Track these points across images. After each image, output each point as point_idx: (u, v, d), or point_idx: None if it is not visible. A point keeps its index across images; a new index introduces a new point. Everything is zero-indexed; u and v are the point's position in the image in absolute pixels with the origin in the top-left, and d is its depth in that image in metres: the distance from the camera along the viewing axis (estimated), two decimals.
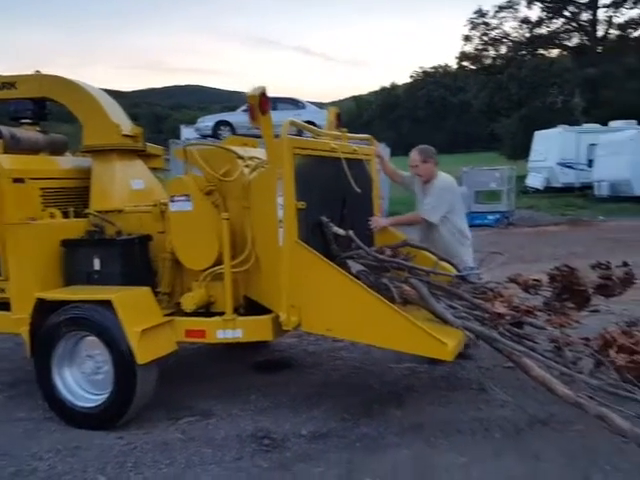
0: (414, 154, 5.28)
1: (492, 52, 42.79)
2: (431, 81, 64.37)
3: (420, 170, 5.27)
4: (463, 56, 44.10)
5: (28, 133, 5.25)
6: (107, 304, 4.08)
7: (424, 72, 66.22)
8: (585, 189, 24.21)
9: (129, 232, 4.73)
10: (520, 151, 33.13)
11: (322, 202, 4.43)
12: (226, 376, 5.18)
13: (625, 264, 4.23)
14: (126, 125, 5.19)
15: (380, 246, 4.84)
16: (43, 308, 4.30)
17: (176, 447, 3.92)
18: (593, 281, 4.21)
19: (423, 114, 62.04)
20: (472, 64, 44.41)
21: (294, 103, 19.42)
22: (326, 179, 4.54)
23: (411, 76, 71.15)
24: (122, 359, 4.07)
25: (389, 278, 4.28)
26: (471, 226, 17.02)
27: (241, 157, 4.44)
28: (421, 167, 5.25)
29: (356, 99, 74.47)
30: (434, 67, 67.65)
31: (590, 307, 4.20)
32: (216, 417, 4.35)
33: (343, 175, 4.59)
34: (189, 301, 4.32)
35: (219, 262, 4.28)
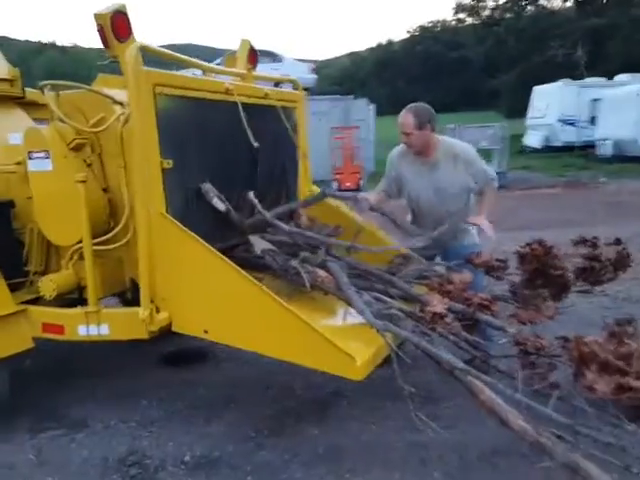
0: (406, 117, 3.80)
1: (490, 2, 40.80)
2: (428, 37, 62.05)
3: (413, 139, 3.82)
4: (460, 7, 42.20)
5: None
6: None
7: (421, 27, 63.77)
8: (587, 148, 22.82)
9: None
10: (519, 108, 31.71)
11: (208, 162, 3.39)
12: (121, 373, 4.23)
13: (618, 241, 3.24)
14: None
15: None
16: None
17: (20, 473, 3.03)
18: (576, 262, 3.23)
19: (419, 71, 59.94)
20: (469, 16, 42.49)
21: (271, 56, 18.15)
22: (217, 131, 3.47)
23: (408, 31, 68.86)
24: None
25: (302, 259, 3.27)
26: None
27: (120, 103, 3.39)
28: (416, 135, 3.79)
29: (351, 56, 72.20)
30: (432, 22, 65.30)
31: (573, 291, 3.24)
32: (87, 431, 3.44)
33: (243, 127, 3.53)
34: (47, 285, 3.36)
35: (94, 236, 3.30)
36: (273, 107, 3.98)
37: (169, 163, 3.04)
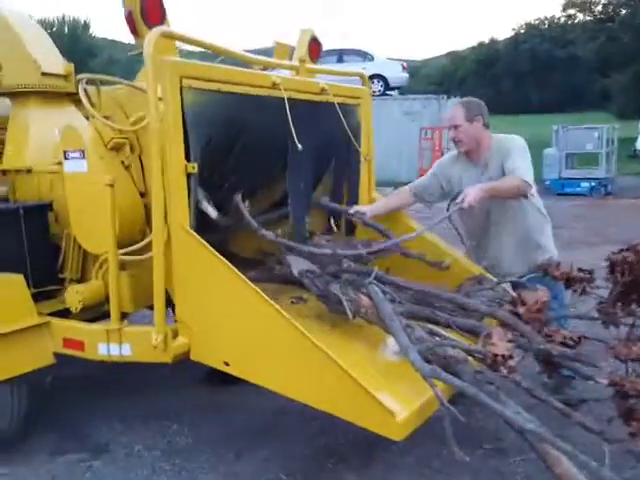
0: (455, 110, 3.57)
1: None
2: (535, 34, 59.20)
3: (462, 132, 3.50)
4: (569, 3, 39.70)
5: None
6: None
7: (527, 25, 60.95)
8: None
9: (38, 198, 3.59)
10: (632, 110, 29.48)
11: (246, 167, 2.99)
12: (157, 390, 3.93)
13: None
14: (50, 61, 3.97)
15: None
16: None
17: None
18: None
19: (525, 70, 57.32)
20: (580, 12, 39.94)
21: (361, 54, 17.69)
22: (260, 131, 3.05)
23: (512, 29, 66.09)
24: None
25: (344, 283, 2.78)
26: (560, 194, 15.10)
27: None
28: (465, 128, 3.49)
29: (451, 55, 70.17)
30: (539, 19, 62.23)
31: None
32: (107, 457, 3.15)
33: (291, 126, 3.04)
34: (73, 296, 3.11)
35: (128, 244, 3.02)
36: (331, 104, 3.53)
37: (194, 168, 2.67)
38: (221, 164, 2.83)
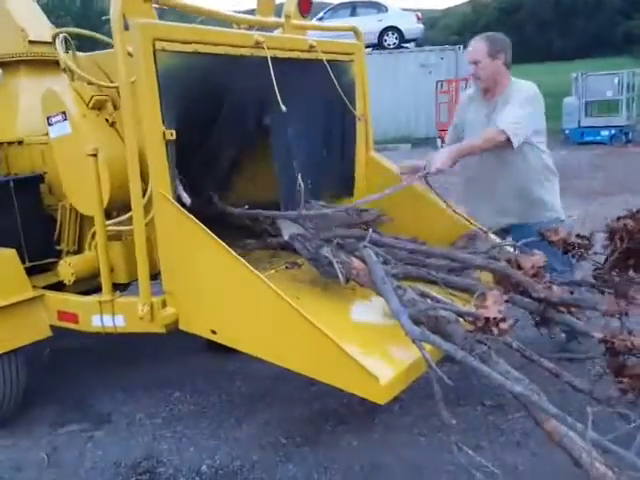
0: (478, 43, 3.38)
1: None
2: None
3: (482, 69, 3.35)
4: None
5: None
6: None
7: None
8: None
9: (31, 170, 3.56)
10: None
11: (228, 133, 2.89)
12: (159, 358, 3.94)
13: None
14: (38, 29, 3.89)
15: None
16: None
17: (26, 476, 2.82)
18: None
19: (549, 16, 55.46)
20: None
21: (375, 6, 17.18)
22: (243, 95, 2.93)
23: None
24: None
25: (336, 246, 2.72)
26: (580, 144, 14.67)
27: None
28: (485, 64, 3.33)
29: (473, 3, 67.97)
30: None
31: None
32: (108, 428, 3.18)
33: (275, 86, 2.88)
34: (66, 269, 3.09)
35: (122, 206, 2.97)
36: (320, 62, 3.38)
37: (173, 134, 2.59)
38: (201, 131, 2.74)
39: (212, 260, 2.45)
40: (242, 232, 3.42)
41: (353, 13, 17.50)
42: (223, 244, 2.38)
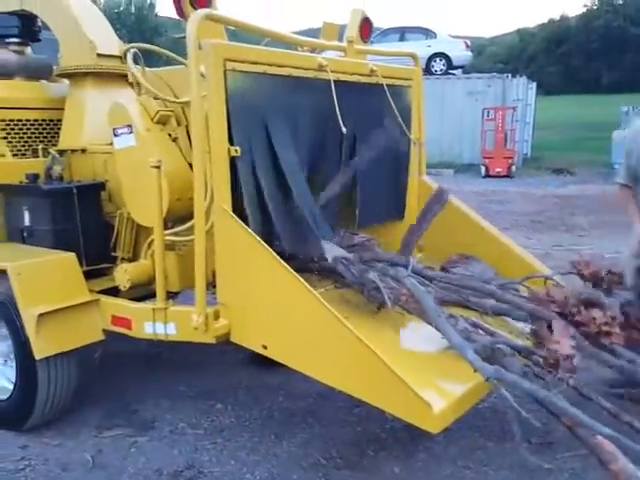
0: None
1: None
2: (609, 10, 56.35)
3: None
4: None
5: None
6: (4, 274, 3.05)
7: (601, 1, 58.04)
8: None
9: (93, 178, 3.68)
10: None
11: (290, 151, 2.93)
12: (205, 368, 3.98)
13: None
14: (106, 43, 4.03)
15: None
16: None
17: (71, 476, 2.86)
18: None
19: (597, 48, 54.79)
20: None
21: (424, 32, 17.25)
22: (306, 115, 3.00)
23: (585, 5, 63.16)
24: (20, 348, 3.08)
25: (381, 272, 2.72)
26: None
27: None
28: None
29: (520, 32, 67.70)
30: None
31: None
32: (152, 434, 3.21)
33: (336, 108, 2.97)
34: (122, 275, 3.17)
35: (178, 218, 3.06)
36: (379, 86, 3.43)
37: (237, 151, 2.65)
38: (265, 150, 2.79)
39: (269, 275, 2.49)
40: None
41: (402, 38, 17.60)
42: (281, 260, 2.42)
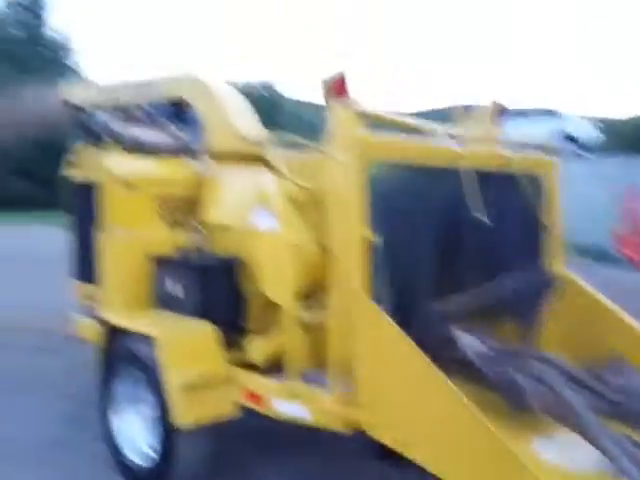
0: None
1: None
2: None
3: None
4: None
5: (154, 136, 4.76)
6: (152, 340, 3.25)
7: None
8: None
9: (232, 253, 3.91)
10: None
11: (425, 240, 2.95)
12: (328, 454, 3.87)
13: None
14: (248, 128, 4.37)
15: None
16: (109, 332, 3.66)
17: None
18: None
19: None
20: None
21: (549, 113, 17.02)
22: (442, 204, 3.05)
23: None
24: (163, 414, 3.21)
25: (524, 369, 2.59)
26: None
27: None
28: None
29: None
30: None
31: None
32: None
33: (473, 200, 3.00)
34: (255, 349, 3.28)
35: (310, 298, 3.18)
36: (515, 176, 3.41)
37: (375, 237, 2.72)
38: (404, 236, 2.84)
39: (407, 365, 2.46)
40: None
41: (526, 120, 17.39)
42: (422, 354, 2.39)
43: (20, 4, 32.70)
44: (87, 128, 4.47)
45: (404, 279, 2.85)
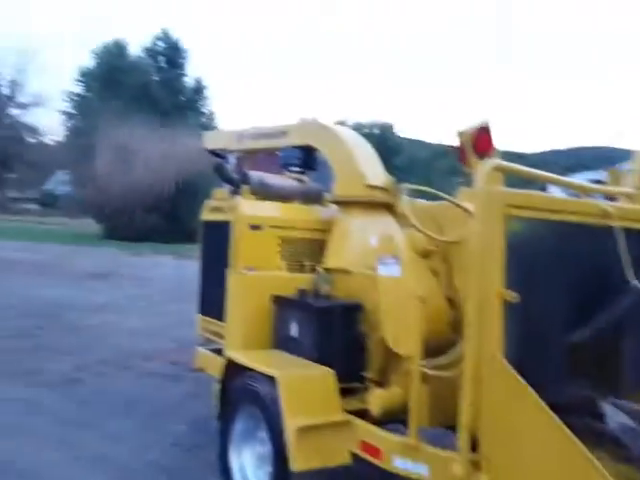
0: None
1: None
2: None
3: None
4: None
5: (281, 180, 4.94)
6: (273, 381, 3.31)
7: None
8: None
9: (354, 299, 3.93)
10: None
11: (567, 301, 2.79)
12: None
13: None
14: (374, 175, 4.41)
15: None
16: (231, 368, 3.78)
17: None
18: None
19: None
20: None
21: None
22: (585, 263, 2.87)
23: None
24: (277, 455, 3.24)
25: None
26: None
27: None
28: None
29: None
30: None
31: None
32: None
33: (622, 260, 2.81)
34: (374, 400, 3.25)
35: (433, 351, 3.15)
36: None
37: (513, 296, 2.61)
38: (544, 296, 2.70)
39: (543, 434, 2.33)
40: None
41: None
42: (560, 423, 2.24)
43: (161, 53, 35.62)
44: (223, 172, 4.73)
45: (541, 341, 2.71)
